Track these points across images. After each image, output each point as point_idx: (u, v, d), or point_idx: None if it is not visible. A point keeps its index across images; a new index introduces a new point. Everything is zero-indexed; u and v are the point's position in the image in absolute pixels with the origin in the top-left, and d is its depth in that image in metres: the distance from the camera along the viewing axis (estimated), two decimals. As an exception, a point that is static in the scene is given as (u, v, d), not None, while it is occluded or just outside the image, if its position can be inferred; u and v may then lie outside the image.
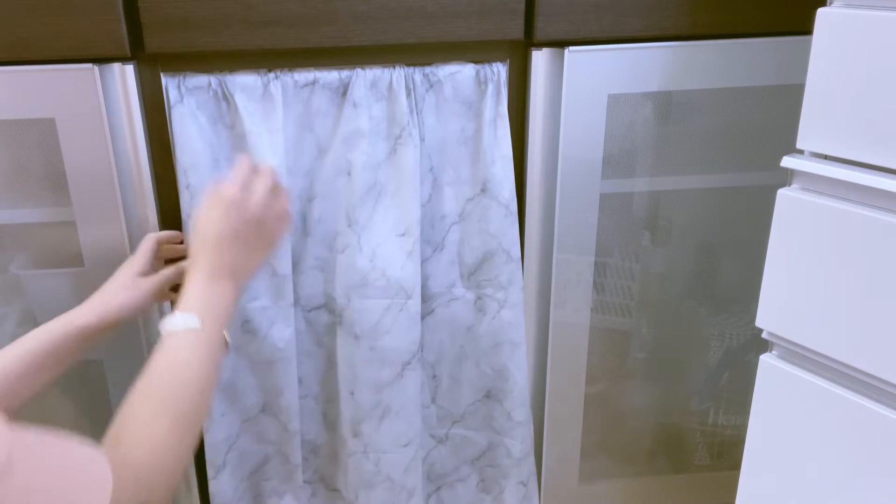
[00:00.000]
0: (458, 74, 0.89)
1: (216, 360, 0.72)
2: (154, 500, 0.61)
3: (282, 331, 0.96)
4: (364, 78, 0.88)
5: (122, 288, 0.82)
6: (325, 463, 1.07)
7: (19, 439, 0.50)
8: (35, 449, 0.51)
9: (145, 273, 0.85)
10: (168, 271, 0.86)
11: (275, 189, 0.80)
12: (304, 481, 1.08)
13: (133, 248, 0.91)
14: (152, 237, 0.87)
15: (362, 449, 1.02)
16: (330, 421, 1.04)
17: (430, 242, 0.97)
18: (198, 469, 1.05)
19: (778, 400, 0.72)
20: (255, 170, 0.79)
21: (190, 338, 0.69)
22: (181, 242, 0.90)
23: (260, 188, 0.78)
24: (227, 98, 0.88)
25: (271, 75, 0.87)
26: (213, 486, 1.02)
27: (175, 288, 0.85)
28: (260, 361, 0.98)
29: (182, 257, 0.87)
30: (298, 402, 1.01)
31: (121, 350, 0.95)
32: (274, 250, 0.82)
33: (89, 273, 0.91)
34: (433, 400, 1.06)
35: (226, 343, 0.75)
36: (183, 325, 0.70)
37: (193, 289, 0.73)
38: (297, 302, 0.98)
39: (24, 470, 0.49)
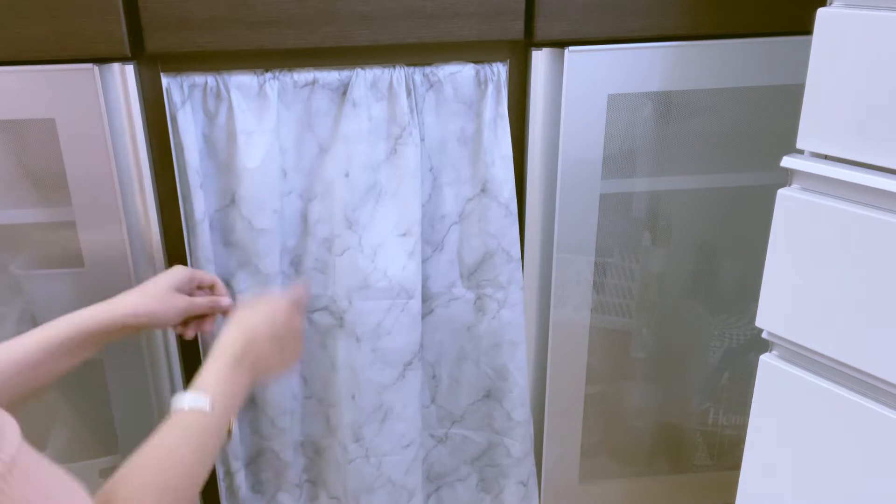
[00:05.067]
0: (458, 74, 0.89)
1: (215, 446, 0.72)
2: None
3: None
4: (364, 78, 0.88)
5: (154, 297, 0.81)
6: (328, 468, 1.07)
7: (26, 450, 0.51)
8: (35, 464, 0.51)
9: (180, 290, 0.84)
10: (202, 300, 0.86)
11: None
12: (307, 481, 1.08)
13: (133, 247, 0.91)
14: (190, 270, 0.87)
15: (363, 453, 1.02)
16: (332, 426, 1.04)
17: (430, 242, 0.97)
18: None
19: (778, 400, 0.72)
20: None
21: (196, 419, 0.70)
22: (212, 288, 0.90)
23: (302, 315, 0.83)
24: (224, 97, 0.88)
25: (268, 75, 0.87)
26: (237, 479, 1.03)
27: (198, 318, 0.87)
28: None
29: (211, 288, 0.89)
30: (290, 402, 1.01)
31: (121, 350, 0.95)
32: (290, 369, 0.87)
33: (89, 273, 0.91)
34: (433, 400, 1.06)
35: (229, 432, 0.75)
36: (192, 405, 0.70)
37: (213, 369, 0.73)
38: (298, 302, 0.98)
39: (21, 478, 0.49)
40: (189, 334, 0.88)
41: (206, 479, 0.71)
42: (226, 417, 0.73)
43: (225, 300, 0.88)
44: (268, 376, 0.80)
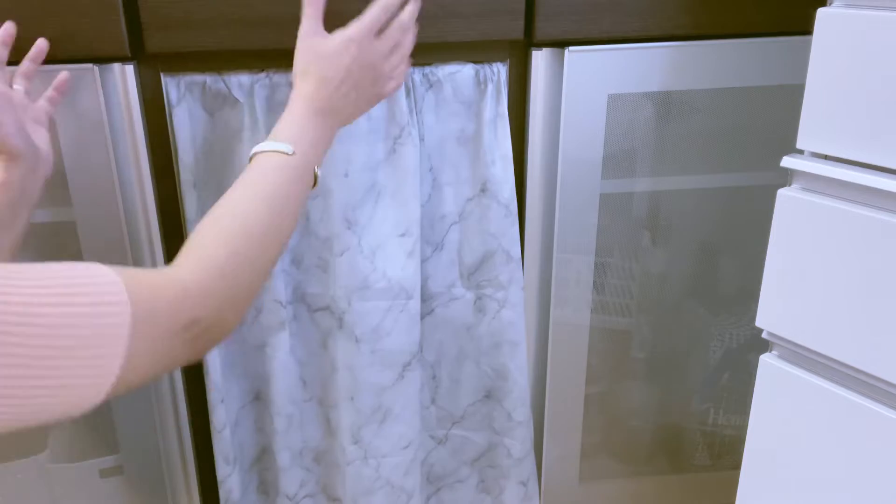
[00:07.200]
0: (458, 74, 0.89)
1: (302, 192, 0.69)
2: (208, 319, 0.59)
3: (268, 318, 0.96)
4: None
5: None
6: (329, 470, 1.07)
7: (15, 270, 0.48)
8: (36, 276, 0.49)
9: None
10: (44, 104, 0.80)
11: (400, 44, 0.78)
12: (309, 483, 1.08)
13: (133, 247, 0.91)
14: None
15: (362, 455, 1.02)
16: (332, 428, 1.04)
17: (430, 242, 0.97)
18: (203, 461, 1.05)
19: (778, 400, 0.72)
20: (387, 16, 0.76)
21: (279, 161, 0.68)
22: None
23: (387, 38, 0.76)
24: (225, 97, 0.88)
25: (262, 75, 0.87)
26: (227, 483, 1.02)
27: None
28: (251, 346, 0.99)
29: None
30: (290, 404, 1.01)
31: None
32: (378, 101, 0.80)
33: (89, 273, 0.91)
34: (433, 401, 1.06)
35: (315, 178, 0.72)
36: (274, 148, 0.68)
37: (293, 118, 0.71)
38: (302, 300, 0.98)
39: (26, 298, 0.47)
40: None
41: (293, 228, 0.69)
42: (310, 163, 0.71)
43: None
44: (351, 116, 0.77)
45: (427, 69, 0.89)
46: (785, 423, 0.72)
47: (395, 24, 0.77)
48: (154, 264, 0.93)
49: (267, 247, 0.66)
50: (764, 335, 0.72)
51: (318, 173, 0.73)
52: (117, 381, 0.52)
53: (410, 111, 0.89)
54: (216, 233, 0.63)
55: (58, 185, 0.88)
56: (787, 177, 0.68)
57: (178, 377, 0.99)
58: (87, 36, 0.82)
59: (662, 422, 1.15)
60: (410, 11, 0.78)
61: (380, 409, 1.00)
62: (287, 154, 0.68)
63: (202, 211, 0.91)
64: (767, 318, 0.71)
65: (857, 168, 0.62)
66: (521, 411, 1.03)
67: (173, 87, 0.87)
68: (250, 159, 0.69)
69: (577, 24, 0.87)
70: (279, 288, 0.95)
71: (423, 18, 0.85)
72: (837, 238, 0.64)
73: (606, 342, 1.07)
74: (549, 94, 0.91)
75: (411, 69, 0.89)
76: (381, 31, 0.76)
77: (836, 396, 0.67)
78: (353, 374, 0.98)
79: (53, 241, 0.93)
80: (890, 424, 0.64)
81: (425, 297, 0.99)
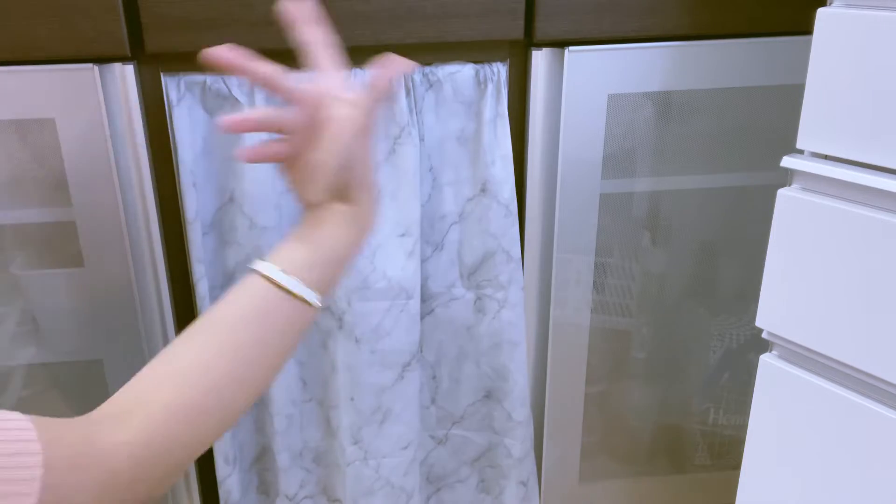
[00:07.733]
0: (458, 74, 0.89)
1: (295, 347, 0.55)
2: (140, 495, 0.46)
3: None
4: (362, 78, 0.88)
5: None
6: (329, 471, 1.07)
7: None
8: None
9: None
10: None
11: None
12: (310, 483, 1.08)
13: (133, 247, 0.91)
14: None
15: (362, 456, 1.02)
16: (333, 428, 1.04)
17: (430, 242, 0.97)
18: (203, 461, 1.05)
19: (778, 400, 0.72)
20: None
21: (301, 314, 0.52)
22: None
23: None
24: (225, 97, 0.88)
25: None
26: (227, 483, 1.02)
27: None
28: None
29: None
30: (290, 404, 1.01)
31: (121, 350, 0.95)
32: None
33: (89, 273, 0.91)
34: (433, 401, 1.06)
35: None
36: (302, 294, 0.52)
37: (327, 249, 0.54)
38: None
39: None
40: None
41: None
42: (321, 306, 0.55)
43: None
44: None
45: (427, 69, 0.89)
46: (785, 423, 0.72)
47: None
48: (154, 265, 0.93)
49: (235, 417, 0.51)
50: (764, 335, 0.72)
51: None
52: None
53: (410, 111, 0.89)
54: (185, 402, 0.48)
55: (58, 186, 0.88)
56: (787, 177, 0.68)
57: (178, 377, 0.99)
58: (87, 36, 0.82)
59: (662, 422, 1.15)
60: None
61: (380, 410, 1.00)
62: (312, 306, 0.52)
63: (202, 211, 0.91)
64: (767, 318, 0.71)
65: (857, 168, 0.62)
66: (521, 411, 1.03)
67: (173, 87, 0.87)
68: (255, 273, 0.53)
69: (576, 24, 0.87)
70: None
71: (423, 18, 0.85)
72: (837, 238, 0.64)
73: (606, 342, 1.07)
74: (549, 94, 0.91)
75: (411, 69, 0.89)
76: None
77: (836, 396, 0.67)
78: (352, 375, 0.98)
79: (53, 241, 0.93)
80: (890, 424, 0.64)
81: (425, 297, 0.99)
